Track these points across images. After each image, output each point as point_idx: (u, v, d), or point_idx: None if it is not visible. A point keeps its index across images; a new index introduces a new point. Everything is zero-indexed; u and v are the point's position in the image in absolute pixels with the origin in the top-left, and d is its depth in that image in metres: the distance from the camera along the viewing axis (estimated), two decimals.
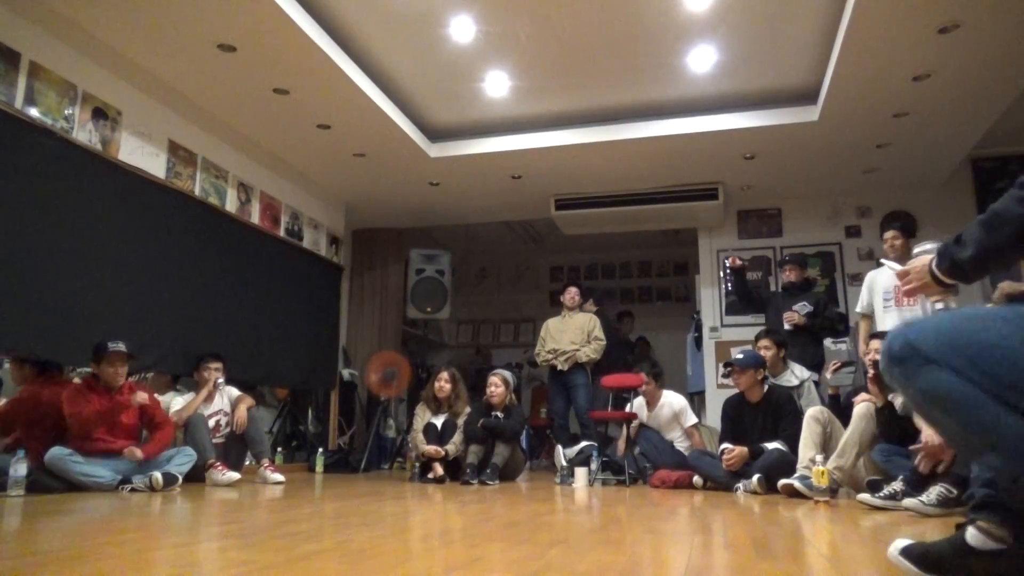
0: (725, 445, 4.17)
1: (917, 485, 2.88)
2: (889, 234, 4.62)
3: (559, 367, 5.65)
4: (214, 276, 4.95)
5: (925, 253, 1.50)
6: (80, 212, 3.91)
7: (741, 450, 4.04)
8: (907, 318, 4.33)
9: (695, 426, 4.89)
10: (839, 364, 4.61)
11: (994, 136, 5.47)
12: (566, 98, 5.15)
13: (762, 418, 4.20)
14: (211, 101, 4.85)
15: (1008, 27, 3.86)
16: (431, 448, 4.86)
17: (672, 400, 4.93)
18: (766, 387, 4.32)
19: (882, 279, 4.61)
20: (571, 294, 5.90)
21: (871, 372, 3.51)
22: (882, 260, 2.23)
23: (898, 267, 1.58)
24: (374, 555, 1.64)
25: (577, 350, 5.62)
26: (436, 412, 5.13)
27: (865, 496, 3.09)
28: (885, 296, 4.54)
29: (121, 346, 3.80)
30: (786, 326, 4.96)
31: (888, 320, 4.49)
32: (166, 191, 4.56)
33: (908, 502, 2.81)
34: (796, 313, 5.04)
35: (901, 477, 3.01)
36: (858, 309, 4.80)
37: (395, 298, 7.44)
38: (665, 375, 5.25)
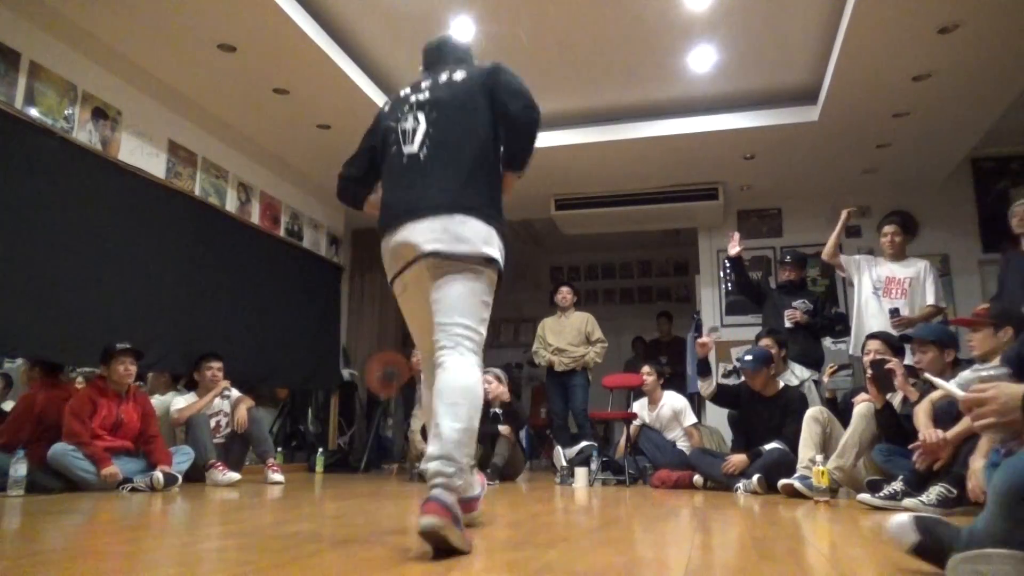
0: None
1: (917, 485, 2.88)
2: (889, 228, 4.54)
3: (556, 367, 5.63)
4: (214, 276, 4.95)
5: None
6: (80, 212, 3.91)
7: (740, 458, 4.04)
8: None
9: (694, 426, 4.89)
10: (836, 368, 4.59)
11: (994, 136, 5.47)
12: (566, 98, 5.15)
13: (769, 413, 4.18)
14: (211, 101, 4.85)
15: (1008, 27, 3.86)
16: None
17: (672, 400, 4.94)
18: (781, 384, 4.30)
19: (877, 269, 4.54)
20: (563, 294, 5.89)
21: (869, 373, 3.50)
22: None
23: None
24: (374, 555, 1.64)
25: (584, 355, 5.60)
26: None
27: (865, 496, 3.08)
28: (876, 284, 4.48)
29: (128, 346, 3.86)
30: (787, 323, 4.87)
31: (871, 306, 4.44)
32: (166, 191, 4.56)
33: (908, 502, 2.81)
34: (798, 311, 4.92)
35: (901, 477, 3.00)
36: (844, 273, 4.71)
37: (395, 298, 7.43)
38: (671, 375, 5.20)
